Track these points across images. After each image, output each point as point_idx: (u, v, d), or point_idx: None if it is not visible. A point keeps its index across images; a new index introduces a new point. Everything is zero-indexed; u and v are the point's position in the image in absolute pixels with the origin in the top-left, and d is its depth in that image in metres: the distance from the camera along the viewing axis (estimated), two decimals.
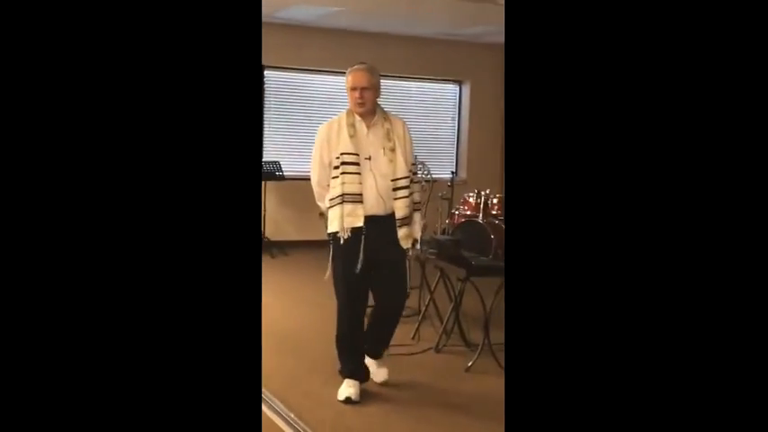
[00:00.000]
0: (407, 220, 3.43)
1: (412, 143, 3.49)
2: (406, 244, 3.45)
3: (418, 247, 3.61)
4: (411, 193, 3.44)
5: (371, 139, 3.39)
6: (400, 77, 8.35)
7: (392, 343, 4.11)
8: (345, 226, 3.38)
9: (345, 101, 3.44)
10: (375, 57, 7.89)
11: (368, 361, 3.67)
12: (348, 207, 3.36)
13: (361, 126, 3.40)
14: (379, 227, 3.37)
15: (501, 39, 8.31)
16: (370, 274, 3.43)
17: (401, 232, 3.41)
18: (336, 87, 8.00)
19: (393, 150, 3.37)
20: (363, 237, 3.36)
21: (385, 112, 3.47)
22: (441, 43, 8.33)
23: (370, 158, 3.36)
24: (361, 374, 3.56)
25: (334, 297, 3.56)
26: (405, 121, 3.52)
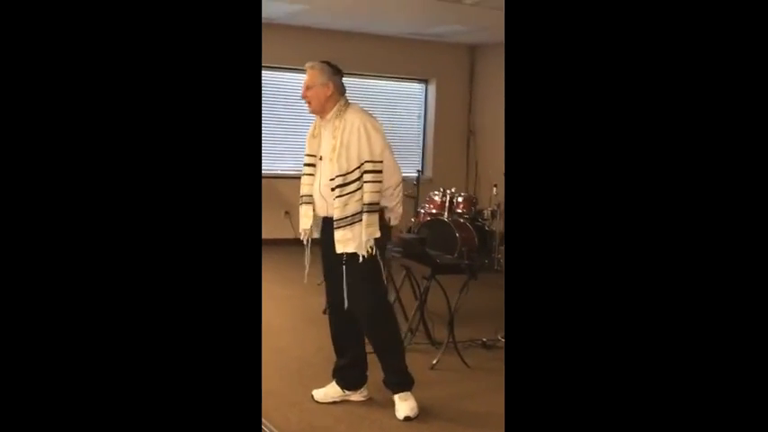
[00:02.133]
0: (342, 222, 3.16)
1: (370, 138, 3.15)
2: (339, 248, 3.17)
3: (374, 252, 3.19)
4: (350, 192, 3.14)
5: (324, 139, 3.27)
6: (366, 76, 8.37)
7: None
8: (301, 227, 3.38)
9: None
10: (341, 55, 7.88)
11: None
12: (303, 208, 3.36)
13: (320, 126, 3.32)
14: (327, 228, 3.28)
15: (467, 38, 8.37)
16: (337, 275, 3.27)
17: (336, 235, 3.18)
18: (301, 85, 7.97)
19: (334, 149, 3.17)
20: (309, 240, 3.35)
21: (342, 110, 3.23)
22: (407, 42, 8.35)
23: (321, 158, 3.27)
24: (340, 378, 3.43)
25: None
26: (364, 116, 3.23)
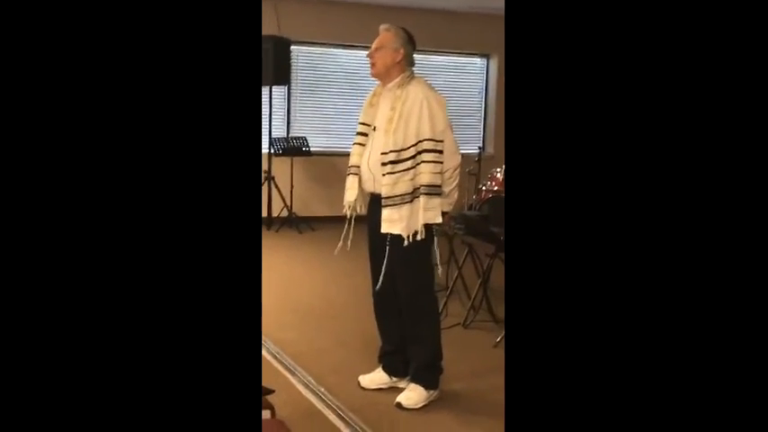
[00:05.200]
0: (390, 201, 2.97)
1: (432, 115, 2.96)
2: (385, 228, 2.99)
3: (419, 238, 2.99)
4: (402, 171, 2.95)
5: (381, 108, 3.07)
6: (427, 51, 8.29)
7: None
8: (345, 199, 3.20)
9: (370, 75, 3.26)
10: None
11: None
12: (349, 179, 3.18)
13: (380, 94, 3.12)
14: (374, 205, 3.12)
15: None
16: (382, 255, 3.10)
17: (383, 214, 2.99)
18: (363, 62, 7.95)
19: (391, 121, 2.97)
20: (352, 215, 3.20)
21: (408, 79, 3.06)
22: (468, 16, 8.24)
23: (375, 129, 3.07)
24: (386, 365, 3.33)
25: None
26: (429, 90, 3.03)
